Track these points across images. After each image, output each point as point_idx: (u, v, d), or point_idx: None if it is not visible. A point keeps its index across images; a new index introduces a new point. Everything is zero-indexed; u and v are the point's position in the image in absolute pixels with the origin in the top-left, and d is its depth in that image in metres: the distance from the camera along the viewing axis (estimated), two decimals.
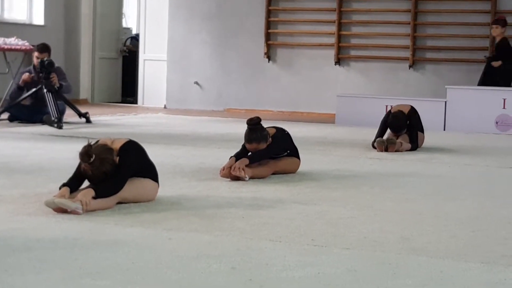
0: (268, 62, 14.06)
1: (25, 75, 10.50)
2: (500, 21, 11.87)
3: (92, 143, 4.86)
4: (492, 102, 11.39)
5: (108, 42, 15.68)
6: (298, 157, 6.72)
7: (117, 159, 4.89)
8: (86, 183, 4.97)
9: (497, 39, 11.88)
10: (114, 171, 4.85)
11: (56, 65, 10.82)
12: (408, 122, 8.62)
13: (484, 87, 11.74)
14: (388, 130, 8.74)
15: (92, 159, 4.77)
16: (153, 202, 5.12)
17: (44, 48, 10.71)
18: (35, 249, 3.84)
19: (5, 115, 10.65)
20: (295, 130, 7.34)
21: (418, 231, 4.50)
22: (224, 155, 6.94)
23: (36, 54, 10.64)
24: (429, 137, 9.19)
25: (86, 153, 4.78)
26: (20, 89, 10.62)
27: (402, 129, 8.62)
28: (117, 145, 4.96)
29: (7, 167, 6.57)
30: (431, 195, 5.84)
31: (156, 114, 13.11)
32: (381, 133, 8.66)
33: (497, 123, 11.37)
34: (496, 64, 11.73)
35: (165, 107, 14.61)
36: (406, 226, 4.63)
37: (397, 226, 4.64)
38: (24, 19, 14.25)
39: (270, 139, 6.40)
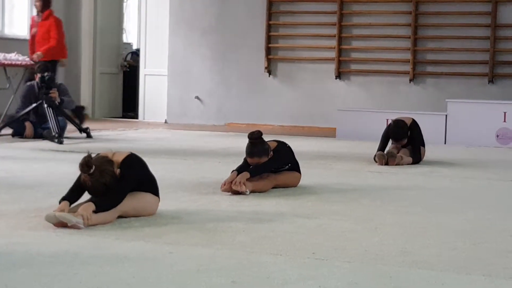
0: (269, 76, 14.07)
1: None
2: None
3: (92, 154, 4.86)
4: (493, 115, 11.39)
5: (108, 57, 15.71)
6: (299, 171, 6.71)
7: (118, 171, 4.88)
8: (85, 195, 4.96)
9: None
10: (114, 183, 4.84)
11: (59, 82, 10.86)
12: (409, 133, 8.61)
13: (486, 101, 11.78)
14: (390, 143, 8.74)
15: (91, 170, 4.76)
16: (154, 216, 5.11)
17: (46, 69, 10.74)
18: (35, 264, 3.83)
19: (8, 130, 10.66)
20: (296, 144, 7.33)
21: (419, 244, 4.49)
22: (225, 170, 6.93)
23: (39, 75, 10.59)
24: (430, 151, 9.18)
25: (85, 164, 4.77)
26: (24, 105, 10.67)
27: (403, 137, 8.60)
28: (118, 158, 4.95)
29: (7, 182, 6.57)
30: (432, 208, 5.83)
31: (157, 129, 13.11)
32: (382, 146, 8.65)
33: (497, 136, 11.36)
34: None
35: (166, 121, 14.61)
36: (407, 239, 4.63)
37: (398, 239, 4.64)
38: (25, 35, 14.25)
39: (271, 152, 6.40)
